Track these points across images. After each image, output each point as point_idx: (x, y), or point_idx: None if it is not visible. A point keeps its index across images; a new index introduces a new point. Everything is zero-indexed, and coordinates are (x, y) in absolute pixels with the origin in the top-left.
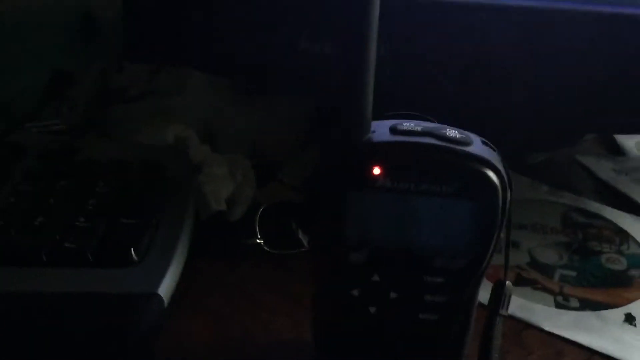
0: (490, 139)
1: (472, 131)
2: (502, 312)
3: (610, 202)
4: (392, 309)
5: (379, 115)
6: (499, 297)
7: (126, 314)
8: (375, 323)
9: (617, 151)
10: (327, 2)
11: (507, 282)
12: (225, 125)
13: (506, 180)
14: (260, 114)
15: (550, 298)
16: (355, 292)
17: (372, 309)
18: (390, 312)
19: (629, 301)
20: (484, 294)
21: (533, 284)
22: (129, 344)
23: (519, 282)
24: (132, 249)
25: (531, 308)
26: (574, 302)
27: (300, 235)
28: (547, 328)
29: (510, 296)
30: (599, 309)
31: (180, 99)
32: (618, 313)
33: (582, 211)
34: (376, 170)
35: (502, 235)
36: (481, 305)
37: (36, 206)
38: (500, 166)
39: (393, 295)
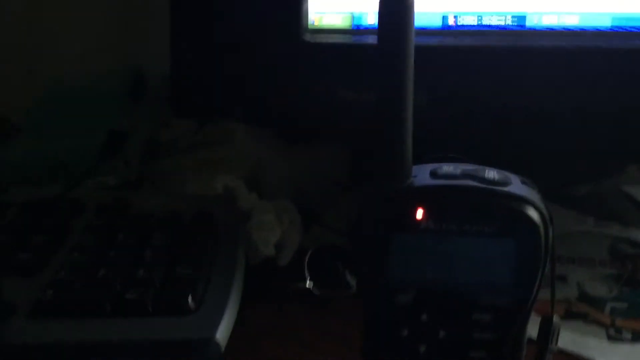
0: (532, 174)
1: (512, 170)
2: (552, 346)
3: None
4: (441, 347)
5: (417, 158)
6: (547, 332)
7: (186, 358)
8: None
9: None
10: (365, 53)
11: (554, 316)
12: (269, 173)
13: (547, 217)
14: (302, 161)
15: (602, 331)
16: (404, 332)
17: (422, 348)
18: (439, 351)
19: None
20: (534, 330)
21: (584, 318)
22: None
23: (569, 316)
24: (189, 298)
25: (583, 342)
26: (627, 334)
27: (348, 278)
28: None
29: (559, 330)
30: None
31: (226, 149)
32: None
33: (630, 242)
34: (419, 214)
35: (547, 271)
36: (531, 341)
37: (97, 259)
38: (540, 203)
39: (442, 334)
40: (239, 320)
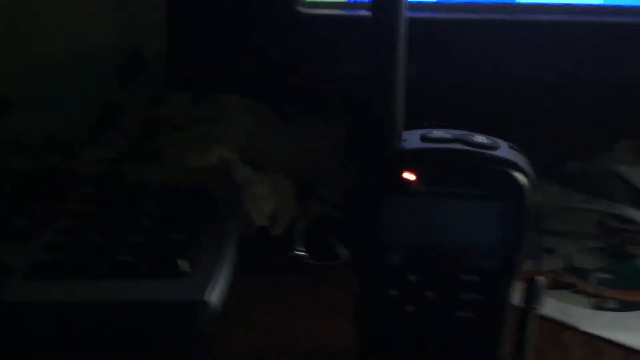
0: (523, 149)
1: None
2: (535, 306)
3: None
4: (429, 307)
5: (409, 128)
6: (531, 292)
7: (177, 319)
8: (414, 322)
9: None
10: (360, 26)
11: (539, 277)
12: (265, 148)
13: (533, 181)
14: (298, 136)
15: (587, 300)
16: (394, 292)
17: (410, 308)
18: (427, 311)
19: None
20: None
21: (570, 288)
22: (181, 347)
23: (556, 286)
24: (182, 261)
25: (569, 310)
26: (612, 304)
27: (340, 249)
28: (585, 329)
29: (542, 291)
30: (638, 309)
31: (223, 125)
32: None
33: (617, 217)
34: (409, 176)
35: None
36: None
37: (92, 225)
38: (527, 168)
39: (430, 294)
40: (233, 287)
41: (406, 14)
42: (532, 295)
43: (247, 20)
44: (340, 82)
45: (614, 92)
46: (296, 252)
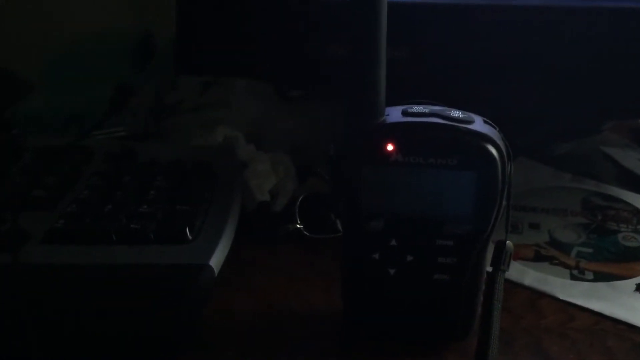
0: (514, 131)
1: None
2: (503, 268)
3: (633, 189)
4: (409, 270)
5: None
6: (500, 254)
7: (182, 280)
8: (395, 284)
9: None
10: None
11: (507, 242)
12: (268, 128)
13: (505, 153)
14: (299, 117)
15: (567, 272)
16: (376, 256)
17: (392, 271)
18: (407, 273)
19: None
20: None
21: (550, 260)
22: (185, 306)
23: (538, 258)
24: (187, 229)
25: (547, 280)
26: (589, 275)
27: (336, 222)
28: (561, 297)
29: (511, 254)
30: (612, 280)
31: (228, 110)
32: (630, 283)
33: (602, 195)
34: (389, 147)
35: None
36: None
37: (105, 197)
38: (499, 141)
39: (409, 258)
40: (233, 255)
41: None
42: (499, 258)
43: (254, 5)
44: (335, 64)
45: (603, 74)
46: (293, 225)
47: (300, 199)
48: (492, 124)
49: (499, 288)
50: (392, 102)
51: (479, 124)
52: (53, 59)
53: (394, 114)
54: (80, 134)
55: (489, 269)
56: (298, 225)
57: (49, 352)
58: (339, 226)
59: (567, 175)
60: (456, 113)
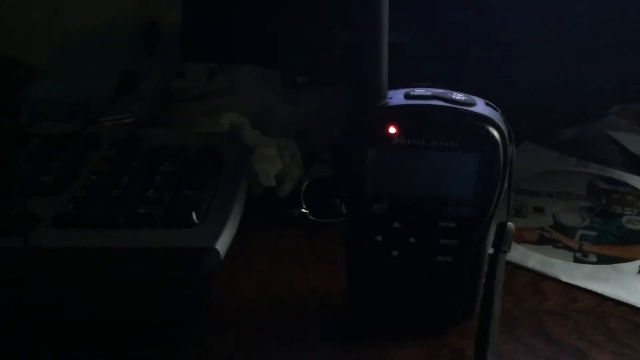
0: (519, 116)
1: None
2: (504, 249)
3: (638, 172)
4: (411, 252)
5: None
6: (501, 235)
7: (188, 263)
8: (398, 266)
9: None
10: None
11: (508, 223)
12: (274, 114)
13: (507, 135)
14: (305, 103)
15: (570, 254)
16: (379, 238)
17: (395, 253)
18: (410, 255)
19: None
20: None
21: (554, 243)
22: (191, 288)
23: (542, 241)
24: (193, 213)
25: (550, 263)
26: (592, 258)
27: (341, 207)
28: (564, 279)
29: (512, 235)
30: (615, 263)
31: (233, 96)
32: (633, 265)
33: (607, 179)
34: (392, 130)
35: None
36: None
37: (113, 182)
38: (501, 123)
39: (412, 239)
40: (239, 239)
41: None
42: (501, 239)
43: None
44: (339, 49)
45: (609, 57)
46: (298, 210)
47: (305, 183)
48: (494, 106)
49: (501, 269)
50: (397, 86)
51: (480, 106)
52: (59, 46)
53: (397, 96)
54: (87, 120)
55: (491, 251)
56: (304, 210)
57: (56, 333)
58: (344, 211)
59: (572, 159)
60: (458, 95)
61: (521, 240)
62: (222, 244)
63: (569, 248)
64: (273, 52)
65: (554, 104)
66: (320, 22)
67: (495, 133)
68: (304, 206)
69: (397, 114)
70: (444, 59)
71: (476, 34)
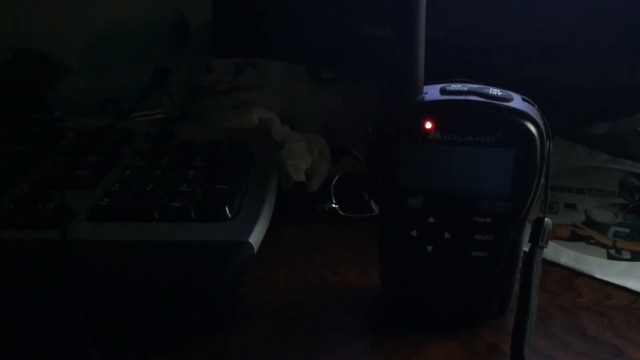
0: (550, 112)
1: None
2: (541, 245)
3: None
4: (446, 247)
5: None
6: (539, 230)
7: (223, 256)
8: (432, 261)
9: None
10: None
11: (545, 218)
12: (302, 109)
13: (544, 130)
14: (333, 98)
15: (603, 251)
16: (414, 233)
17: (429, 248)
18: (445, 251)
19: None
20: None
21: (587, 240)
22: (226, 281)
23: (574, 238)
24: (226, 207)
25: (584, 260)
26: (626, 255)
27: (370, 202)
28: (598, 276)
29: (549, 231)
30: None
31: (261, 91)
32: None
33: (639, 176)
34: (428, 125)
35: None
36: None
37: (146, 177)
38: (538, 118)
39: (447, 235)
40: (270, 233)
41: None
42: (538, 234)
43: None
44: (370, 45)
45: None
46: (329, 205)
47: (335, 179)
48: (531, 101)
49: (537, 265)
50: (430, 82)
51: (517, 102)
52: (90, 43)
53: (433, 92)
54: (119, 115)
55: (526, 248)
56: (333, 205)
57: (94, 325)
58: (373, 206)
59: (603, 155)
60: (494, 91)
61: (553, 237)
62: (255, 238)
63: (602, 245)
64: (301, 48)
65: (586, 100)
66: (349, 18)
67: (533, 128)
68: (334, 201)
69: (433, 109)
70: (476, 54)
71: (509, 30)
